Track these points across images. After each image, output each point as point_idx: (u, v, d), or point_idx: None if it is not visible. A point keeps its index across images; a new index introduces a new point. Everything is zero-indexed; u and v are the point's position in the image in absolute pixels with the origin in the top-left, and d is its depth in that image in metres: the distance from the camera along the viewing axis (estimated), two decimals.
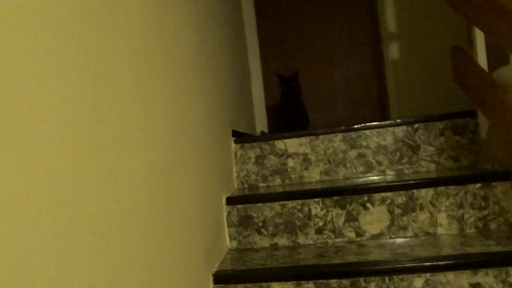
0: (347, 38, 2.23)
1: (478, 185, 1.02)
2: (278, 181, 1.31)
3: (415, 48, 2.11)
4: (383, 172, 1.25)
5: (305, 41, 2.28)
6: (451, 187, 1.03)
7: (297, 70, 2.25)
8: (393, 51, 2.15)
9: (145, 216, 0.56)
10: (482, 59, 1.14)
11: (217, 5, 1.40)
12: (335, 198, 1.07)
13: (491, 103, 1.01)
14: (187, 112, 0.84)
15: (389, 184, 1.05)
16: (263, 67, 2.28)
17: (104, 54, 0.49)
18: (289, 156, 1.31)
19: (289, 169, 1.30)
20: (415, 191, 1.04)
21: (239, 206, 1.11)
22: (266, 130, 2.19)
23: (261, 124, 2.17)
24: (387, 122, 1.27)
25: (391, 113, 2.13)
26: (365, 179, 1.18)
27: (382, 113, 2.19)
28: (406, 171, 1.24)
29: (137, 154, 0.56)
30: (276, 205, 1.10)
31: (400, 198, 1.05)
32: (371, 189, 1.05)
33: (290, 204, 1.09)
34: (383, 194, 1.05)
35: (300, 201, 1.08)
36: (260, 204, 1.10)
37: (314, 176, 1.29)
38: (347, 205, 1.06)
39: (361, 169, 1.26)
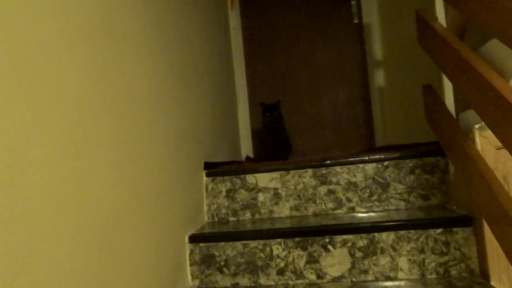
0: (336, 64, 2.25)
1: (440, 230, 1.01)
2: (248, 215, 1.31)
3: (400, 76, 2.12)
4: (352, 209, 1.24)
5: (293, 66, 2.30)
6: (412, 231, 1.02)
7: (285, 95, 2.26)
8: (379, 78, 2.15)
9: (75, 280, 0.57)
10: (449, 99, 1.14)
11: (195, 31, 1.43)
12: (297, 239, 1.07)
13: (454, 147, 1.01)
14: (143, 156, 0.85)
15: (350, 226, 1.04)
16: (250, 91, 2.29)
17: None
18: (259, 190, 1.31)
19: (259, 204, 1.31)
20: (376, 234, 1.03)
21: (201, 244, 1.11)
22: (251, 155, 2.19)
23: (247, 148, 2.18)
24: (357, 158, 1.26)
25: (376, 141, 2.12)
26: (329, 219, 1.17)
27: (367, 140, 2.18)
28: (376, 209, 1.23)
29: (62, 220, 0.56)
30: (238, 245, 1.10)
31: (362, 241, 1.04)
32: (331, 231, 1.05)
33: (252, 244, 1.09)
34: (344, 237, 1.05)
35: (262, 241, 1.08)
36: (222, 243, 1.11)
37: (284, 212, 1.29)
38: (309, 247, 1.06)
39: (330, 205, 1.26)
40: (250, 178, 1.32)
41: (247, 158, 2.12)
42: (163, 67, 1.05)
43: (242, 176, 1.33)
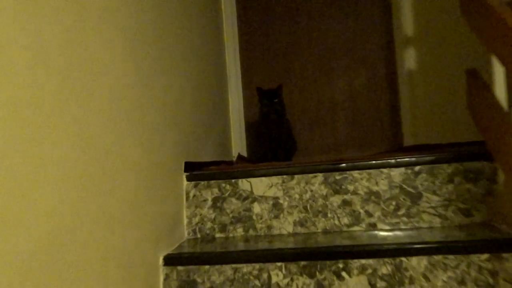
0: (354, 40, 2.23)
1: (485, 255, 0.99)
2: (240, 231, 1.29)
3: (436, 58, 2.10)
4: (373, 226, 1.23)
5: (300, 43, 2.28)
6: (450, 257, 1.00)
7: (288, 78, 2.25)
8: (409, 59, 2.14)
9: None
10: (500, 88, 1.12)
11: (173, 1, 1.40)
12: (302, 263, 1.05)
13: (505, 149, 0.99)
14: (104, 154, 0.83)
15: (370, 248, 1.02)
16: (244, 74, 2.27)
17: None
18: (255, 199, 1.30)
19: (254, 217, 1.29)
20: (403, 259, 1.02)
21: (180, 268, 1.09)
22: (245, 154, 2.17)
23: (239, 145, 2.16)
24: (381, 161, 1.25)
25: (404, 138, 2.11)
26: (343, 238, 1.15)
27: (393, 137, 2.17)
28: (403, 226, 1.22)
29: None
30: (227, 269, 1.08)
31: (385, 267, 1.02)
32: (347, 253, 1.03)
33: (245, 268, 1.07)
34: (362, 261, 1.03)
35: (257, 265, 1.06)
36: (206, 267, 1.08)
37: (286, 227, 1.27)
38: (317, 273, 1.04)
39: (345, 220, 1.25)
40: (244, 184, 1.30)
41: (240, 157, 2.10)
42: (134, 43, 1.02)
43: (233, 180, 1.31)
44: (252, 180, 1.31)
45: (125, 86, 0.96)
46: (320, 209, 1.26)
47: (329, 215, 1.26)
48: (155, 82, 1.16)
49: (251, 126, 2.25)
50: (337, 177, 1.27)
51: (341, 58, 2.26)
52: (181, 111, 1.37)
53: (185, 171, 1.34)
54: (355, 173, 1.26)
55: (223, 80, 2.10)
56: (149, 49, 1.14)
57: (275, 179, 1.29)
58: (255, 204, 1.29)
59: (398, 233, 1.16)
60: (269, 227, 1.28)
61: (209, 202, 1.32)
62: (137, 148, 1.01)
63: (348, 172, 1.27)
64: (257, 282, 1.06)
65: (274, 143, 1.95)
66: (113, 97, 0.89)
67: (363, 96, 2.23)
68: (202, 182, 1.33)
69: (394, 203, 1.23)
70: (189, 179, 1.33)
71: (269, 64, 2.30)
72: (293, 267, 1.06)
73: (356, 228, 1.24)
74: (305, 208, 1.27)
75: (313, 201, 1.27)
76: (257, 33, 2.32)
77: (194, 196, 1.32)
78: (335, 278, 1.04)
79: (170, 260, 1.10)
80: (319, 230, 1.26)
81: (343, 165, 1.27)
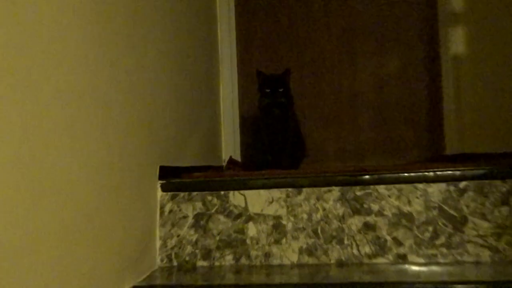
0: (382, 18, 2.21)
1: None
2: (229, 259, 1.28)
3: (493, 39, 2.07)
4: (403, 259, 1.22)
5: (313, 22, 2.28)
6: None
7: (298, 63, 2.25)
8: (456, 42, 2.12)
9: None
10: None
11: None
12: None
13: None
14: (54, 155, 0.80)
15: (399, 287, 1.00)
16: (241, 56, 2.26)
17: None
18: (250, 218, 1.29)
19: (249, 241, 1.28)
20: None
21: None
22: (238, 157, 2.16)
23: (231, 146, 2.16)
24: (415, 174, 1.25)
25: (447, 143, 2.10)
26: (364, 273, 1.13)
27: (432, 141, 2.15)
28: (442, 260, 1.21)
29: None
30: None
31: None
32: None
33: None
34: None
35: None
36: None
37: (289, 256, 1.26)
38: None
39: (367, 249, 1.23)
40: (236, 197, 1.29)
41: (232, 162, 2.09)
42: (91, 13, 1.00)
43: (222, 192, 1.30)
44: (247, 193, 1.29)
45: (83, 69, 0.94)
46: (334, 233, 1.25)
47: (345, 242, 1.24)
48: (122, 65, 1.14)
49: (248, 122, 2.24)
50: (358, 193, 1.26)
51: (367, 38, 2.25)
52: (156, 102, 1.36)
53: (160, 178, 1.32)
54: (381, 188, 1.25)
55: (213, 62, 2.09)
56: (116, 25, 1.11)
57: (277, 193, 1.28)
58: (250, 225, 1.28)
59: (435, 268, 1.14)
60: (267, 255, 1.26)
61: (190, 220, 1.30)
62: (98, 146, 0.98)
63: (372, 186, 1.25)
64: None
65: (276, 145, 1.94)
66: (64, 86, 0.87)
67: (394, 88, 2.22)
68: (182, 194, 1.31)
69: (431, 229, 1.22)
70: (165, 188, 1.31)
71: (274, 43, 2.28)
72: None
73: (380, 260, 1.22)
74: (314, 231, 1.26)
75: (326, 223, 1.25)
76: (259, 2, 2.30)
77: (170, 211, 1.31)
78: None
79: None
80: (332, 261, 1.24)
81: (366, 177, 1.26)
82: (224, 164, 2.13)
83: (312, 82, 2.26)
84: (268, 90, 1.92)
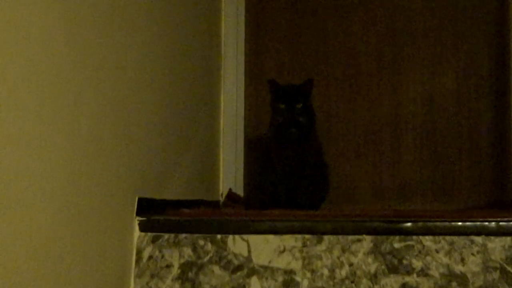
0: (438, 18, 2.25)
1: None
2: None
3: None
4: None
5: (345, 20, 2.33)
6: None
7: (321, 78, 2.27)
8: None
9: None
10: None
11: None
12: None
13: None
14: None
15: None
16: (250, 61, 2.31)
17: None
18: (254, 272, 1.31)
19: None
20: None
21: None
22: (240, 190, 2.18)
23: (231, 176, 2.17)
24: (472, 223, 1.26)
25: None
26: None
27: (495, 182, 2.16)
28: None
29: None
30: None
31: None
32: None
33: None
34: None
35: None
36: None
37: None
38: None
39: None
40: (237, 244, 1.32)
41: (231, 197, 2.11)
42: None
43: (218, 236, 1.33)
44: (252, 238, 1.32)
45: (51, 64, 0.99)
46: None
47: None
48: (96, 60, 1.18)
49: (255, 145, 2.27)
50: (396, 245, 1.28)
51: (416, 44, 2.28)
52: (136, 113, 1.40)
53: (138, 213, 1.35)
54: (427, 240, 1.27)
55: (212, 68, 2.13)
56: (88, 15, 1.17)
57: (290, 240, 1.31)
58: (254, 280, 1.30)
59: None
60: None
61: (175, 271, 1.32)
62: (60, 173, 1.02)
63: (415, 237, 1.27)
64: None
65: (291, 177, 1.95)
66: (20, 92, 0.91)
67: (448, 109, 2.24)
68: (166, 236, 1.34)
69: None
70: (144, 228, 1.35)
71: (294, 45, 2.32)
72: None
73: None
74: None
75: (353, 282, 1.27)
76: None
77: (150, 257, 1.33)
78: None
79: None
80: None
81: (408, 224, 1.28)
82: (222, 199, 2.16)
83: (341, 98, 2.29)
84: (283, 106, 1.93)
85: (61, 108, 1.02)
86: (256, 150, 2.26)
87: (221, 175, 2.17)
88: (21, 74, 0.89)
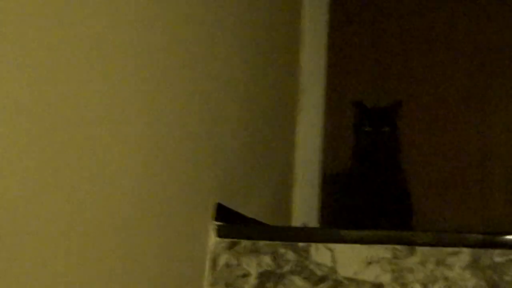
0: None
1: None
2: None
3: None
4: None
5: (433, 46, 2.33)
6: None
7: (409, 99, 2.25)
8: None
9: None
10: None
11: None
12: None
13: None
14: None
15: None
16: (332, 83, 2.29)
17: None
18: (339, 284, 1.27)
19: None
20: None
21: None
22: (314, 223, 2.15)
23: (305, 209, 2.14)
24: None
25: None
26: None
27: None
28: None
29: None
30: None
31: None
32: None
33: None
34: None
35: None
36: None
37: None
38: None
39: None
40: (320, 253, 1.28)
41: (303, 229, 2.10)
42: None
43: (300, 245, 1.30)
44: (337, 247, 1.28)
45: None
46: None
47: None
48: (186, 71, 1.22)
49: (334, 176, 2.23)
50: (497, 259, 1.22)
51: (505, 80, 2.27)
52: (223, 119, 1.43)
53: (216, 219, 1.34)
54: None
55: (290, 89, 2.14)
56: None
57: (379, 250, 1.26)
58: None
59: None
60: None
61: (253, 281, 1.29)
62: (137, 170, 1.04)
63: None
64: None
65: (376, 208, 1.93)
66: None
67: None
68: (244, 242, 1.31)
69: None
70: (221, 233, 1.33)
71: (377, 69, 2.34)
72: None
73: None
74: None
75: None
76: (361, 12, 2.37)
77: (226, 265, 1.31)
78: None
79: None
80: None
81: (509, 237, 1.24)
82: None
83: (424, 129, 2.27)
84: (369, 129, 1.94)
85: (140, 108, 1.05)
86: (334, 182, 2.24)
87: (294, 208, 2.14)
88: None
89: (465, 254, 1.23)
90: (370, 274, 1.25)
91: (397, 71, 2.38)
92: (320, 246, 1.28)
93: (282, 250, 1.29)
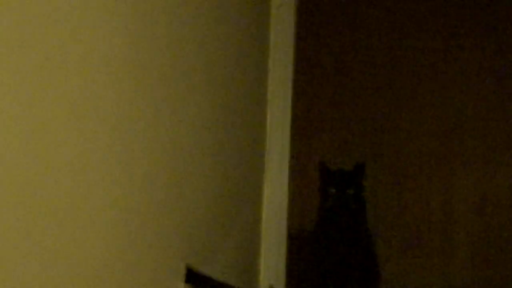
0: (488, 121, 2.28)
1: None
2: None
3: None
4: None
5: (397, 110, 2.38)
6: None
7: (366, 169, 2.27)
8: None
9: None
10: None
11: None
12: None
13: None
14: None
15: None
16: (296, 152, 2.28)
17: None
18: None
19: None
20: None
21: None
22: (281, 285, 2.13)
23: (272, 270, 2.12)
24: None
25: None
26: None
27: None
28: None
29: None
30: None
31: None
32: None
33: None
34: None
35: None
36: None
37: None
38: None
39: None
40: None
41: None
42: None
43: None
44: None
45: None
46: None
47: None
48: (159, 111, 1.20)
49: (301, 237, 2.22)
50: None
51: (470, 140, 2.30)
52: (189, 178, 1.41)
53: (186, 281, 1.31)
54: None
55: (256, 150, 2.15)
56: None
57: None
58: None
59: None
60: None
61: None
62: (91, 230, 1.00)
63: None
64: None
65: (341, 270, 1.92)
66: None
67: (504, 211, 2.21)
68: None
69: None
70: None
71: (341, 131, 2.36)
72: None
73: None
74: None
75: None
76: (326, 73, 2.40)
77: None
78: None
79: None
80: None
81: None
82: None
83: (389, 191, 2.29)
84: (333, 191, 1.94)
85: (102, 178, 1.02)
86: (300, 243, 2.23)
87: (261, 268, 2.12)
88: None
89: None
90: None
91: (362, 130, 2.40)
92: None
93: None
